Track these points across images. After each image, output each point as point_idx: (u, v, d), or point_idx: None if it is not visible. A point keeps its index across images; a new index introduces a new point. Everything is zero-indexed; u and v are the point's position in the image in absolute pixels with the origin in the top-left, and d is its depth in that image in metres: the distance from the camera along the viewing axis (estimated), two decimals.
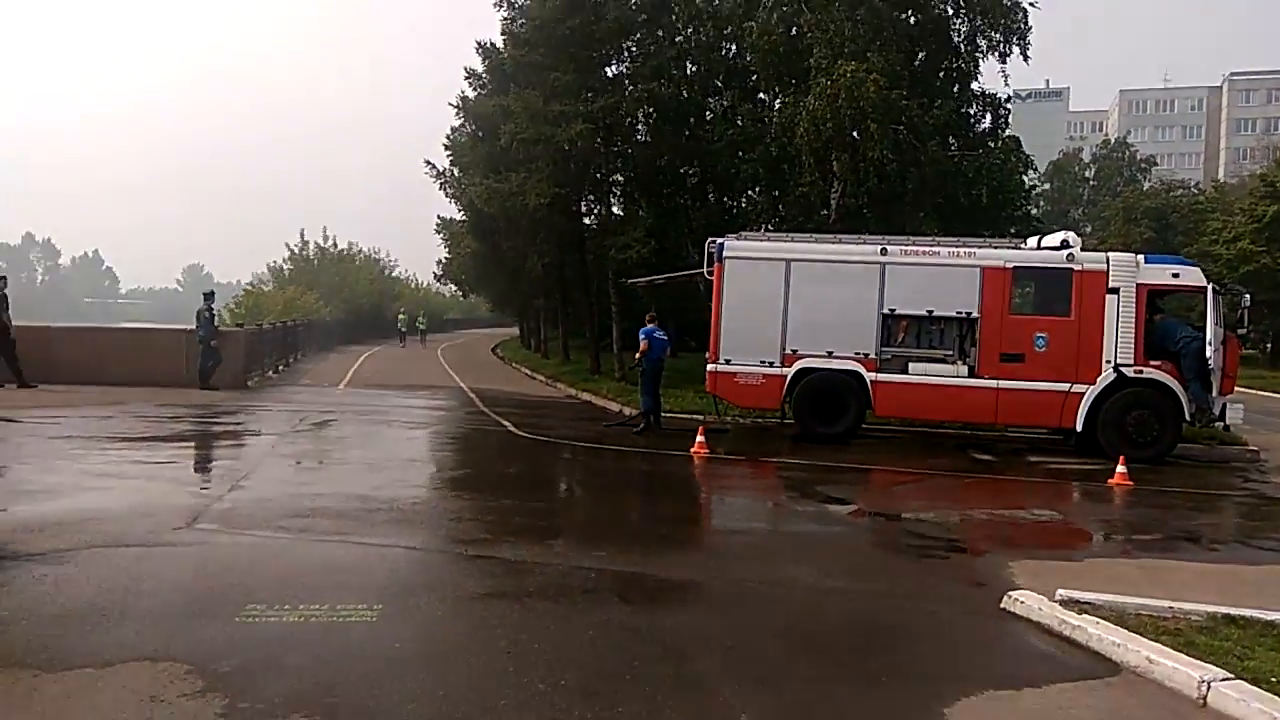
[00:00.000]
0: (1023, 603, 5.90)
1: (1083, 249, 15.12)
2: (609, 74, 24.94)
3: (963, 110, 22.97)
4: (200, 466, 10.17)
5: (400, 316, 45.01)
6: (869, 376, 14.75)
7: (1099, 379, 13.94)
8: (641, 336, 15.43)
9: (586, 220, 24.91)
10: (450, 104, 26.77)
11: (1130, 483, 11.23)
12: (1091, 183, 48.84)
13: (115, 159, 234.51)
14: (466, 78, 27.58)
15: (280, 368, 25.75)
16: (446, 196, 28.36)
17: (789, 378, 14.98)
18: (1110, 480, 11.46)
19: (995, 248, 15.01)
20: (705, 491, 10.67)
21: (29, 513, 7.50)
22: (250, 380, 20.42)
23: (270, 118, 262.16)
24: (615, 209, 26.71)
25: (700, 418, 16.52)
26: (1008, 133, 23.82)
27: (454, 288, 44.81)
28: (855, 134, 20.10)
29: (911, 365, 14.79)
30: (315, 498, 8.66)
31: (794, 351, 15.00)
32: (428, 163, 28.57)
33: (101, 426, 12.87)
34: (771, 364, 15.07)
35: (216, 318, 19.28)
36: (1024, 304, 15.00)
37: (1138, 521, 9.91)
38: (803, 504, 9.97)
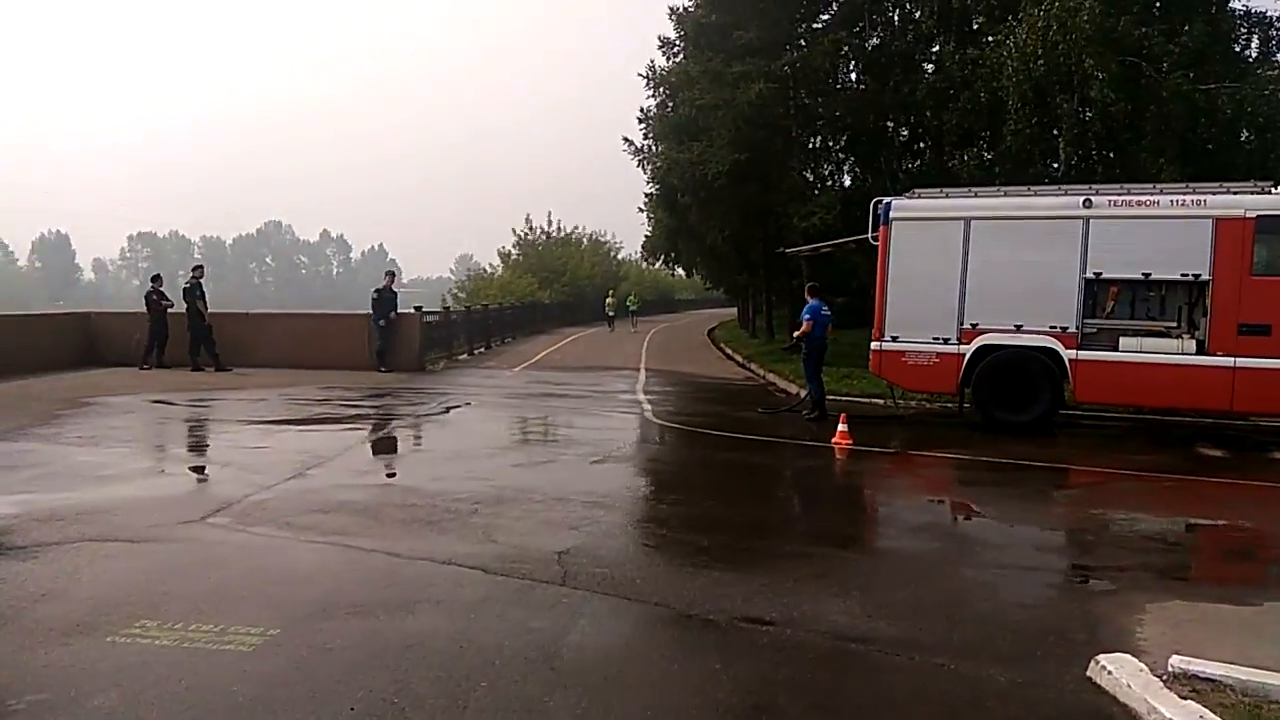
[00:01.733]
0: (1111, 673, 4.13)
1: None
2: (801, 30, 23.19)
3: (1224, 35, 19.14)
4: (286, 452, 9.88)
5: (608, 300, 42.42)
6: (1067, 354, 12.38)
7: None
8: (806, 316, 13.77)
9: (778, 187, 23.16)
10: (639, 74, 25.94)
11: None
12: None
13: (398, 162, 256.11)
14: (660, 46, 26.65)
15: (479, 349, 26.19)
16: (644, 172, 27.61)
17: (967, 356, 12.90)
18: None
19: (1234, 193, 12.06)
20: (807, 494, 9.04)
21: (59, 500, 7.38)
22: (432, 362, 20.71)
23: (525, 111, 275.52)
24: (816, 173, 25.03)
25: (879, 402, 14.80)
26: None
27: (664, 266, 41.64)
28: (1076, 71, 17.27)
29: (1123, 340, 12.26)
30: (363, 490, 8.08)
31: (974, 326, 12.89)
32: (625, 139, 27.94)
33: (244, 409, 13.16)
34: (947, 340, 13.04)
35: (397, 297, 19.60)
36: (1271, 263, 12.00)
37: None
38: (921, 511, 8.24)
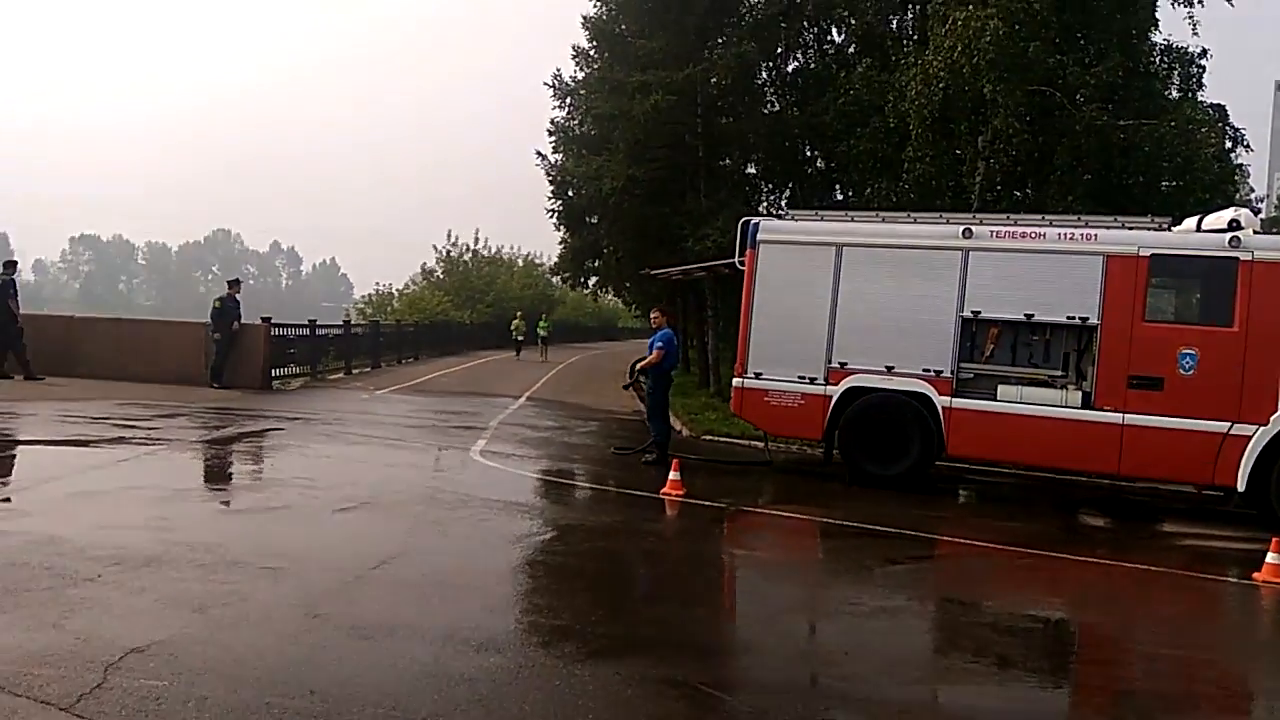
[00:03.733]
0: None
1: None
2: (714, 44, 21.77)
3: (1142, 69, 18.07)
4: None
5: (514, 323, 37.68)
6: (941, 401, 10.96)
7: (1273, 418, 9.54)
8: (658, 344, 12.17)
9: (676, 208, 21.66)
10: (544, 84, 24.36)
11: None
12: None
13: (349, 173, 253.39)
14: (574, 56, 25.10)
15: (364, 369, 24.37)
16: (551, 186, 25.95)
17: (835, 399, 11.43)
18: (1256, 575, 7.33)
19: (1129, 228, 10.77)
20: (573, 564, 7.09)
21: None
22: (284, 381, 18.85)
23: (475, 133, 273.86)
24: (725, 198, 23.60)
25: (759, 445, 13.28)
26: (1208, 99, 18.61)
27: (584, 290, 37.83)
28: (982, 98, 16.05)
29: (1001, 389, 10.87)
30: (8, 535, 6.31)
31: (842, 365, 11.45)
32: (538, 153, 26.31)
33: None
34: (813, 380, 11.58)
35: (240, 308, 17.75)
36: (1166, 308, 10.80)
37: (1248, 662, 5.85)
38: (696, 593, 6.60)
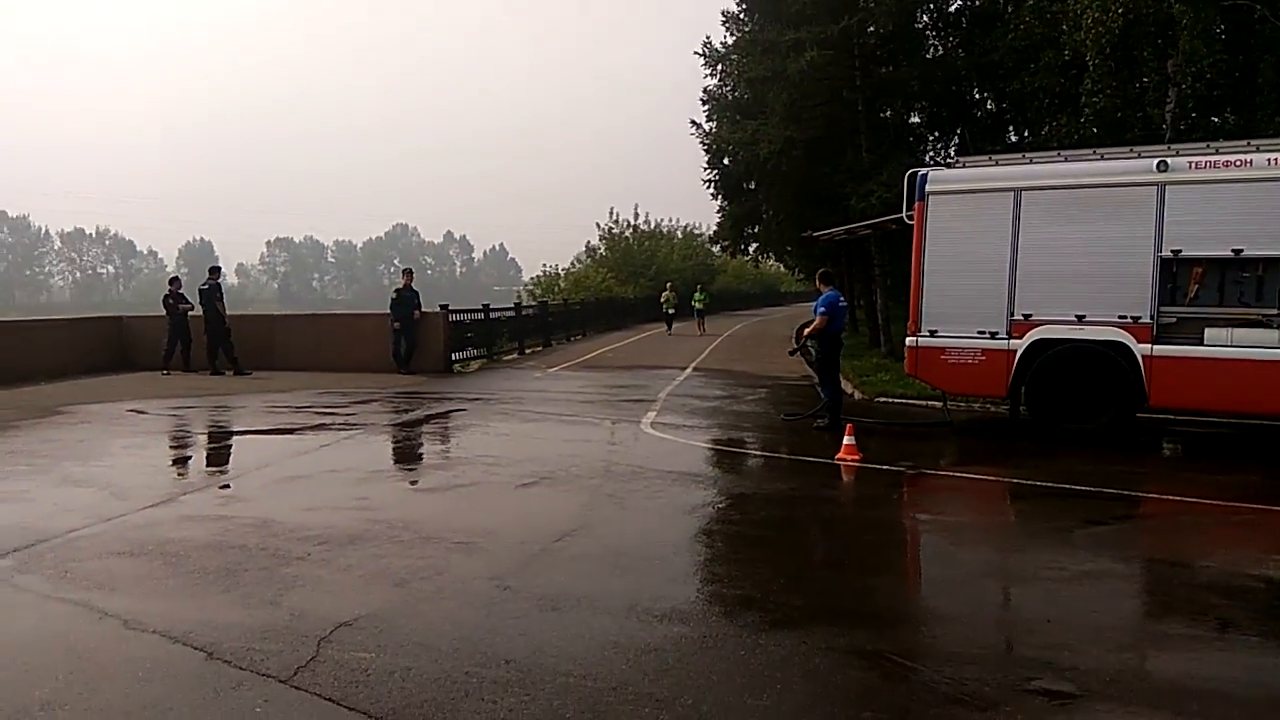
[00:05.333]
0: None
1: None
2: None
3: None
4: (189, 470, 9.05)
5: (665, 294, 34.22)
6: (1140, 349, 10.23)
7: None
8: (821, 309, 11.97)
9: (837, 166, 21.03)
10: (695, 52, 24.12)
11: None
12: None
13: (515, 166, 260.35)
14: (724, 21, 24.79)
15: (536, 348, 25.07)
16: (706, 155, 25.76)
17: (1020, 353, 10.88)
18: None
19: None
20: (751, 535, 7.04)
21: None
22: (463, 364, 19.63)
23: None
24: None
25: (938, 405, 12.81)
26: None
27: (746, 256, 36.61)
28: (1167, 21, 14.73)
29: (1209, 332, 10.02)
30: (211, 523, 6.87)
31: (1026, 317, 10.87)
32: (692, 123, 26.16)
33: (212, 418, 12.50)
34: (995, 334, 11.07)
35: (418, 297, 18.57)
36: None
37: None
38: (872, 563, 6.39)
